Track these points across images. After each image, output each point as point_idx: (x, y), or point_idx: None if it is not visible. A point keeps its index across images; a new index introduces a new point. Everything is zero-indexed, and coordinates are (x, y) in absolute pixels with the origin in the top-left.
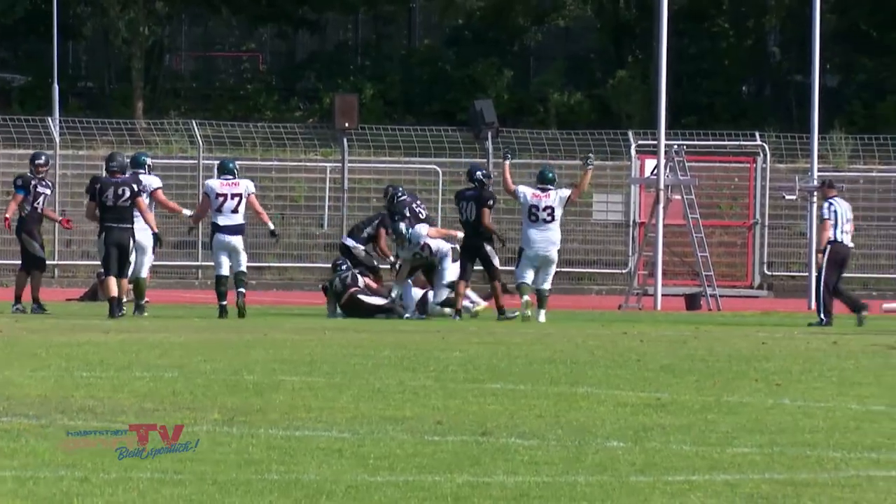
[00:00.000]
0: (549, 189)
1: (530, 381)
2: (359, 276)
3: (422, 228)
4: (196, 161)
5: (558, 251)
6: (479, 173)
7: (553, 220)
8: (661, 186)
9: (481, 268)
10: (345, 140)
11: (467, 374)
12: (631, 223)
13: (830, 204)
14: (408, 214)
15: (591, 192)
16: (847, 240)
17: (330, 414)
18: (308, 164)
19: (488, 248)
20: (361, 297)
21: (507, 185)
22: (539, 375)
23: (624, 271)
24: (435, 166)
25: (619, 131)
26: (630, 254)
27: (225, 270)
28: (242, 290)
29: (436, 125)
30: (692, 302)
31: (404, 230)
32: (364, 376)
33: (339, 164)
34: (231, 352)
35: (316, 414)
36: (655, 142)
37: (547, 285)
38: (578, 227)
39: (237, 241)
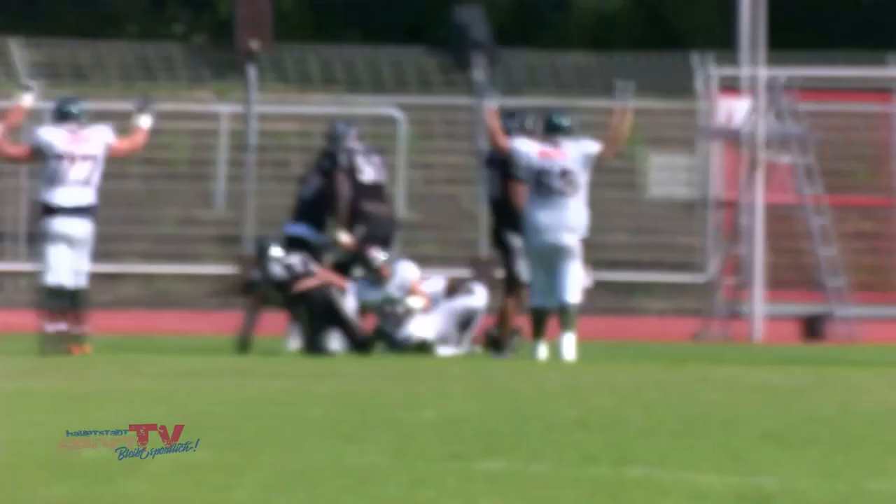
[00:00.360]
0: (564, 142)
1: (550, 459)
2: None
3: (408, 270)
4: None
5: (581, 241)
6: (527, 121)
7: (574, 190)
8: (760, 142)
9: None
10: (252, 70)
11: (447, 447)
12: (708, 202)
13: None
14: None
15: (643, 152)
16: None
17: None
18: (193, 107)
19: (514, 240)
20: (334, 296)
21: (496, 140)
22: (564, 448)
23: (700, 279)
24: (394, 111)
25: (682, 53)
26: (709, 251)
27: (64, 277)
28: (77, 315)
29: (396, 46)
30: (812, 327)
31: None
32: (279, 450)
33: (243, 109)
34: (63, 410)
35: None
36: (746, 69)
37: (573, 296)
38: (625, 210)
39: (83, 230)
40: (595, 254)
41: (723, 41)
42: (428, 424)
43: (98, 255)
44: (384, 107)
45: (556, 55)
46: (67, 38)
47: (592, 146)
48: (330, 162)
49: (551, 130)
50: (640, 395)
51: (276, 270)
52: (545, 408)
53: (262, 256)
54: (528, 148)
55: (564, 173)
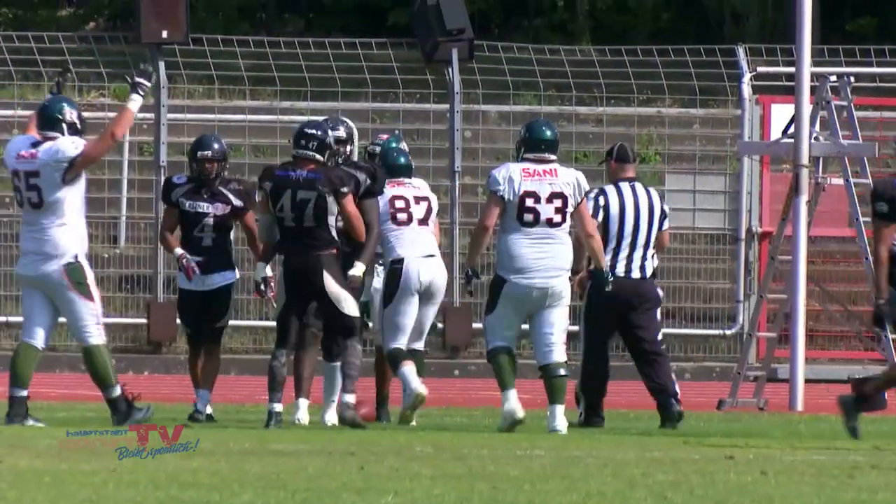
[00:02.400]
0: (553, 160)
1: None
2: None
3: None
4: None
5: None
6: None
7: (563, 223)
8: (803, 160)
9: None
10: (161, 66)
11: None
12: (742, 234)
13: None
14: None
15: (661, 173)
16: None
17: None
18: (87, 114)
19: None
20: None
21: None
22: None
23: (729, 332)
24: (347, 120)
25: (719, 48)
26: (740, 296)
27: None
28: None
29: (347, 37)
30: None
31: None
32: None
33: (151, 116)
34: None
35: None
36: (789, 69)
37: (559, 355)
38: None
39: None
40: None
41: (767, 34)
42: None
43: None
44: (331, 115)
45: (554, 49)
46: None
47: (582, 181)
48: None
49: (539, 144)
50: (649, 478)
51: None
52: (532, 495)
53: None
54: (508, 172)
55: (558, 198)
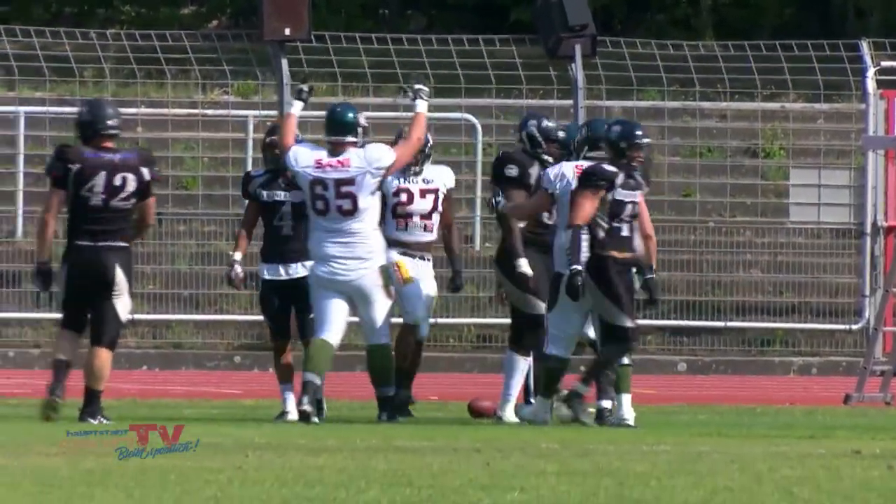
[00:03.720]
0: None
1: None
2: None
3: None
4: None
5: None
6: (530, 125)
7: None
8: None
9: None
10: (284, 63)
11: None
12: (867, 228)
13: None
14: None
15: (785, 168)
16: None
17: None
18: (210, 111)
19: (522, 267)
20: None
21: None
22: None
23: (855, 326)
24: (469, 116)
25: (842, 42)
26: (866, 290)
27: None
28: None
29: (470, 34)
30: None
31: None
32: None
33: (274, 113)
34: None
35: None
36: None
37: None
38: (759, 240)
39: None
40: (719, 295)
41: (883, 28)
42: None
43: None
44: (454, 111)
45: (677, 44)
46: (42, 24)
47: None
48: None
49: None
50: (776, 473)
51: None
52: (658, 491)
53: None
54: (561, 170)
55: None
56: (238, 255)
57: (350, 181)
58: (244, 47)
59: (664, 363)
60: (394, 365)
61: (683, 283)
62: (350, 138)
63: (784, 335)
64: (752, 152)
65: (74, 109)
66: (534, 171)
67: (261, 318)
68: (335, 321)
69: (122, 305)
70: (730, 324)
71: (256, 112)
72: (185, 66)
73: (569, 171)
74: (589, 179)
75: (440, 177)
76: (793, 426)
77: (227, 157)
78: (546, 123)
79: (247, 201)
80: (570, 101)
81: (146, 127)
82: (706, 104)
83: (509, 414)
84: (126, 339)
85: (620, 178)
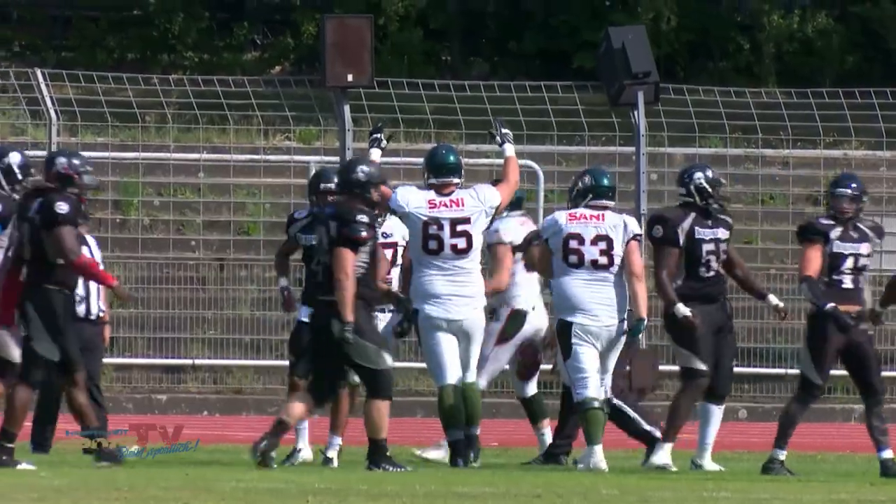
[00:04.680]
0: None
1: None
2: None
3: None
4: (45, 152)
5: None
6: (697, 178)
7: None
8: None
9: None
10: (346, 109)
11: None
12: None
13: None
14: None
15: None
16: None
17: None
18: (272, 157)
19: (682, 311)
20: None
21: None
22: None
23: None
24: (531, 163)
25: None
26: None
27: None
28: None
29: (533, 80)
30: None
31: None
32: None
33: (336, 159)
34: None
35: None
36: None
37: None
38: None
39: None
40: (780, 342)
41: None
42: None
43: (156, 345)
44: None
45: (739, 91)
46: (106, 70)
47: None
48: None
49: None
50: None
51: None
52: None
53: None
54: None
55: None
56: (284, 281)
57: (466, 220)
58: (306, 93)
59: (725, 410)
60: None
61: (745, 329)
62: (456, 179)
63: (845, 382)
64: (814, 199)
65: (134, 155)
66: (686, 225)
67: None
68: (454, 363)
69: None
70: (791, 371)
71: (318, 158)
72: (247, 111)
73: (562, 219)
74: (804, 233)
75: (399, 230)
76: (853, 473)
77: (288, 202)
78: (709, 174)
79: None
80: (633, 148)
81: (208, 172)
82: (768, 151)
83: (707, 462)
84: (187, 384)
85: (836, 232)
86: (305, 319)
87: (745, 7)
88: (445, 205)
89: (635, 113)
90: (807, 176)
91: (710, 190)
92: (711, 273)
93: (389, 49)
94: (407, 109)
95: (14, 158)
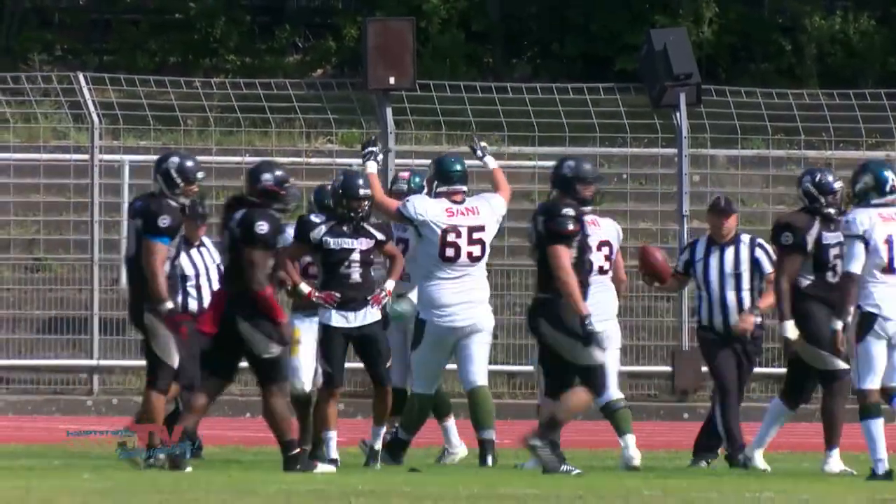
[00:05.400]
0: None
1: None
2: None
3: None
4: (87, 156)
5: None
6: (805, 181)
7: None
8: None
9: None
10: (388, 112)
11: None
12: None
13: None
14: None
15: None
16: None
17: None
18: (314, 160)
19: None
20: None
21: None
22: None
23: None
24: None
25: None
26: None
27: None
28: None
29: (575, 82)
30: None
31: None
32: None
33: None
34: None
35: None
36: None
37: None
38: None
39: None
40: None
41: None
42: None
43: None
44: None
45: (781, 93)
46: (148, 73)
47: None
48: None
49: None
50: None
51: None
52: None
53: None
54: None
55: None
56: (304, 285)
57: (481, 228)
58: (348, 96)
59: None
60: (493, 406)
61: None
62: (465, 187)
63: None
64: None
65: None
66: (814, 231)
67: (361, 365)
68: (436, 377)
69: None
70: None
71: (360, 160)
72: (289, 114)
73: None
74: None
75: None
76: None
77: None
78: (822, 177)
79: (295, 244)
80: (675, 150)
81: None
82: (811, 153)
83: (758, 458)
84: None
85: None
86: (336, 324)
87: (786, 9)
88: (462, 213)
89: (677, 114)
90: (849, 177)
91: (815, 193)
92: (836, 278)
93: (431, 52)
94: (449, 112)
95: (173, 164)
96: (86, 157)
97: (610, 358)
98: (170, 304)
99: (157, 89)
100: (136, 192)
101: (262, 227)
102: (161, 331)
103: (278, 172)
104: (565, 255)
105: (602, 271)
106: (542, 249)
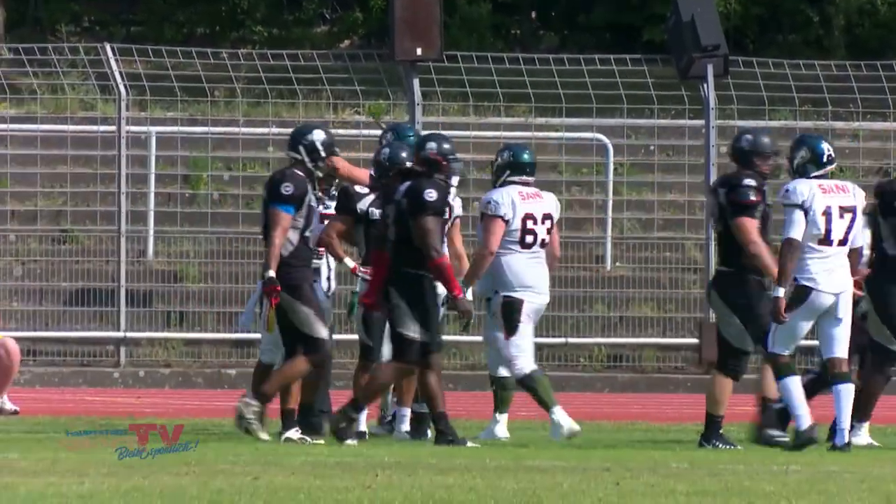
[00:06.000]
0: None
1: None
2: None
3: None
4: (114, 127)
5: None
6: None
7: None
8: None
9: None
10: (416, 83)
11: None
12: None
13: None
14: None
15: None
16: None
17: None
18: (341, 131)
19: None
20: None
21: None
22: None
23: None
24: (601, 136)
25: None
26: None
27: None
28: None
29: (602, 53)
30: None
31: None
32: None
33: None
34: None
35: None
36: None
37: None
38: None
39: None
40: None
41: None
42: None
43: (225, 319)
44: (585, 130)
45: (809, 64)
46: (174, 44)
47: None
48: None
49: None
50: None
51: None
52: None
53: None
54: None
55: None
56: (349, 259)
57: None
58: (376, 67)
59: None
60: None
61: None
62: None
63: None
64: (884, 172)
65: (204, 129)
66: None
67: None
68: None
69: None
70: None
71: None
72: (316, 86)
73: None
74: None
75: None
76: None
77: None
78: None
79: (341, 216)
80: (702, 121)
81: (277, 146)
82: (838, 124)
83: (865, 435)
84: (256, 358)
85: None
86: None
87: None
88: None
89: (705, 86)
90: (877, 149)
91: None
92: None
93: (458, 23)
94: (476, 83)
95: (318, 136)
96: (113, 128)
97: (527, 330)
98: (271, 273)
99: (185, 60)
100: (163, 164)
101: (431, 193)
102: (298, 306)
103: (446, 145)
104: (752, 227)
105: (543, 244)
106: (725, 222)
